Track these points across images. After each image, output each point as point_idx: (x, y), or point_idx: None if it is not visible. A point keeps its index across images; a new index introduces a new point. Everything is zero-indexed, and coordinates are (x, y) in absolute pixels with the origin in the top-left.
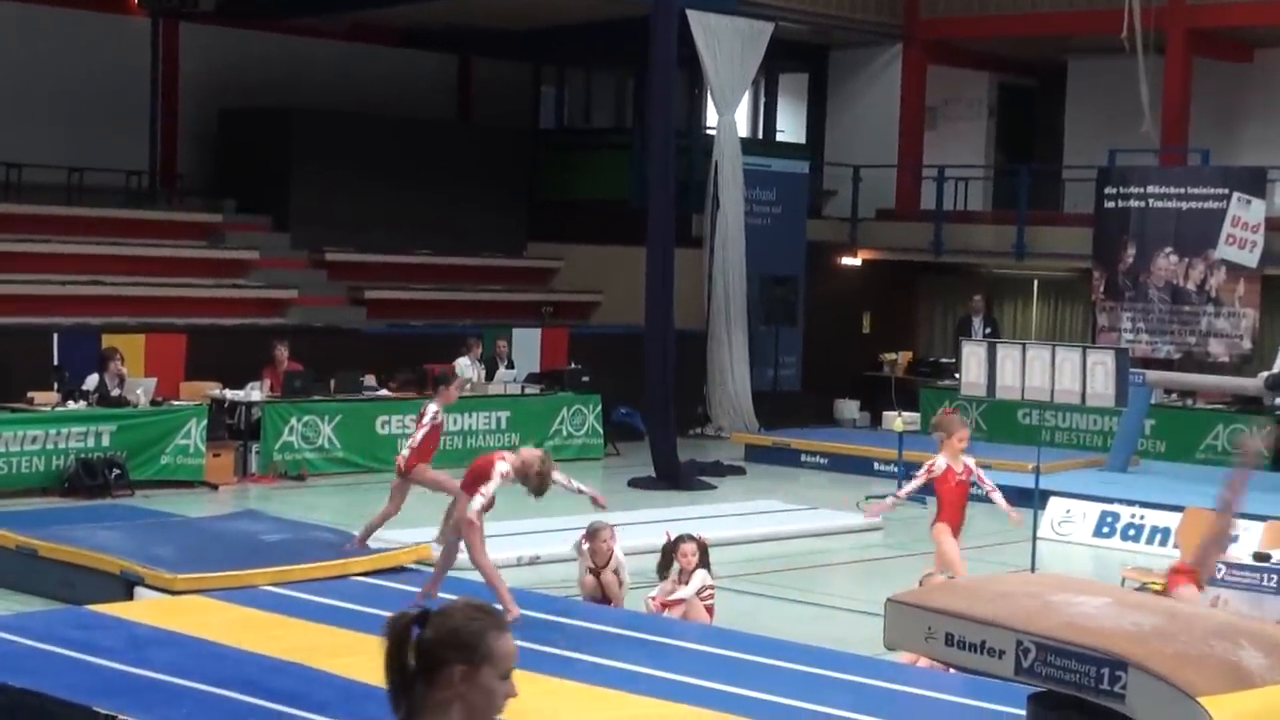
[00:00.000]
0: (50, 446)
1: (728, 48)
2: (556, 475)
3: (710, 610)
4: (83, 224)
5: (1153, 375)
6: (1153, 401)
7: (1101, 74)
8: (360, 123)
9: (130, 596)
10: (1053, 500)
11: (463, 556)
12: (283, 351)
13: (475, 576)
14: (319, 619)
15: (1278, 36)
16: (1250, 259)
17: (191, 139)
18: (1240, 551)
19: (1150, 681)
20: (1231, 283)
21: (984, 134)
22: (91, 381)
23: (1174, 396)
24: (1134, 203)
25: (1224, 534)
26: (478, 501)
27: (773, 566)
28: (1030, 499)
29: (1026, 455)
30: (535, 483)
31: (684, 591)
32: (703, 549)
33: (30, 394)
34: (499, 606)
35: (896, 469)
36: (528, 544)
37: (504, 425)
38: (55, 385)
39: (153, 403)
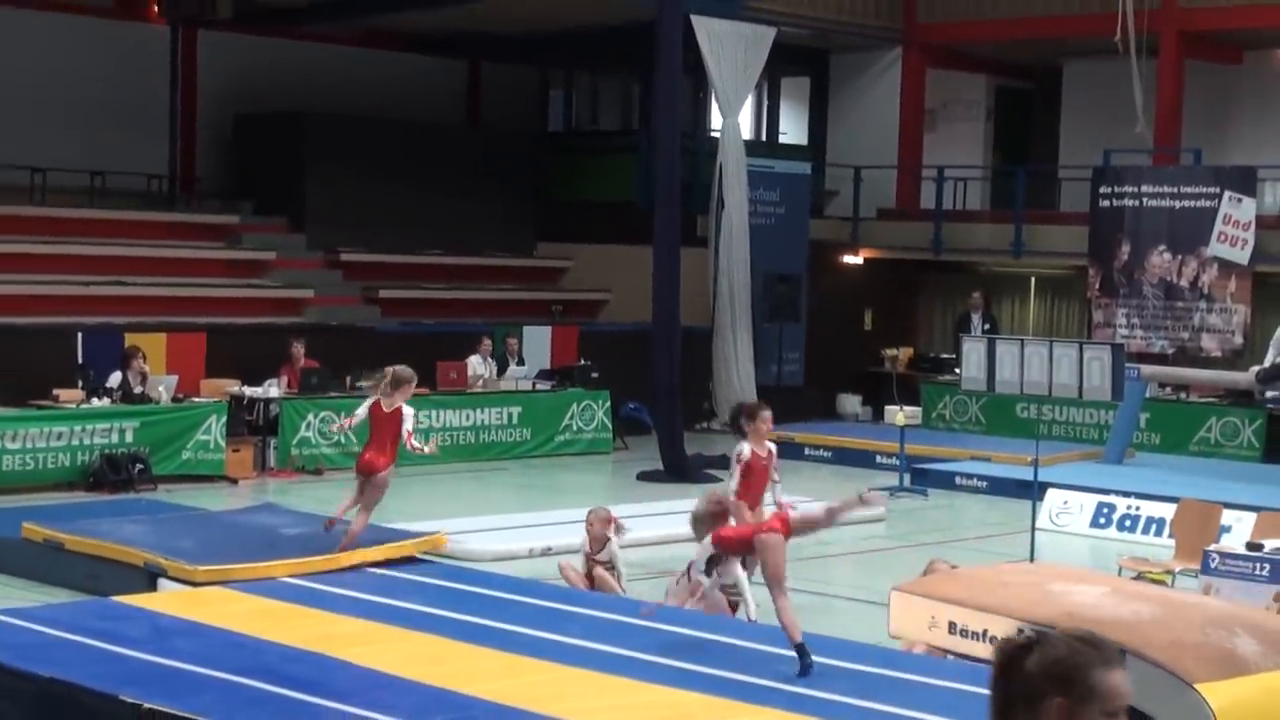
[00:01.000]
0: (75, 443)
1: (731, 52)
2: None
3: (734, 607)
4: (104, 226)
5: (1147, 370)
6: (1147, 395)
7: (1096, 76)
8: (373, 126)
9: (154, 588)
10: (1050, 492)
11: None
12: (299, 349)
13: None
14: (335, 609)
15: (1267, 39)
16: (1241, 256)
17: (209, 143)
18: (1234, 541)
19: (1148, 669)
20: (1223, 279)
21: (982, 135)
22: (115, 379)
23: (1168, 390)
24: (1128, 202)
25: (825, 520)
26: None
27: None
28: (1029, 490)
29: (1025, 448)
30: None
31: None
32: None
33: (56, 392)
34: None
35: (898, 462)
36: (540, 536)
37: (515, 420)
38: (80, 383)
39: (174, 400)
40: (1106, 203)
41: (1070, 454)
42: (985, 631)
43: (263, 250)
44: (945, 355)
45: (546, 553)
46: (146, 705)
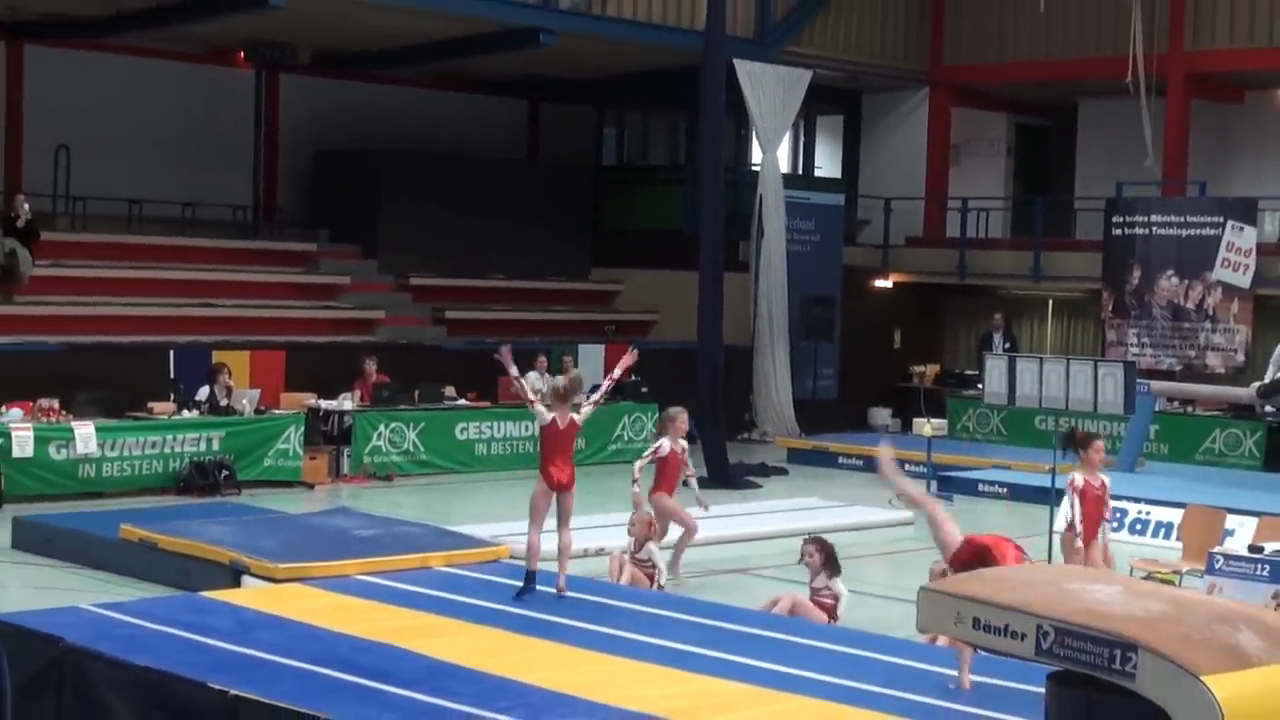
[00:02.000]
0: (167, 451)
1: (770, 93)
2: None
3: (828, 611)
4: (195, 253)
5: (1156, 385)
6: (1157, 409)
7: (1108, 114)
8: (441, 161)
9: (238, 584)
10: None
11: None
12: (371, 365)
13: (542, 566)
14: (404, 604)
15: (1266, 80)
16: (1243, 280)
17: (290, 177)
18: (1236, 544)
19: (1158, 662)
20: (1227, 302)
21: (1003, 169)
22: (203, 393)
23: (1175, 404)
24: (1139, 230)
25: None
26: None
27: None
28: (1046, 496)
29: (1043, 457)
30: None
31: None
32: (826, 552)
33: (150, 404)
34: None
35: (925, 469)
36: (594, 537)
37: None
38: (171, 396)
39: (256, 411)
40: (1119, 231)
41: None
42: (1007, 626)
43: (338, 275)
44: (969, 372)
45: (600, 552)
46: (232, 692)
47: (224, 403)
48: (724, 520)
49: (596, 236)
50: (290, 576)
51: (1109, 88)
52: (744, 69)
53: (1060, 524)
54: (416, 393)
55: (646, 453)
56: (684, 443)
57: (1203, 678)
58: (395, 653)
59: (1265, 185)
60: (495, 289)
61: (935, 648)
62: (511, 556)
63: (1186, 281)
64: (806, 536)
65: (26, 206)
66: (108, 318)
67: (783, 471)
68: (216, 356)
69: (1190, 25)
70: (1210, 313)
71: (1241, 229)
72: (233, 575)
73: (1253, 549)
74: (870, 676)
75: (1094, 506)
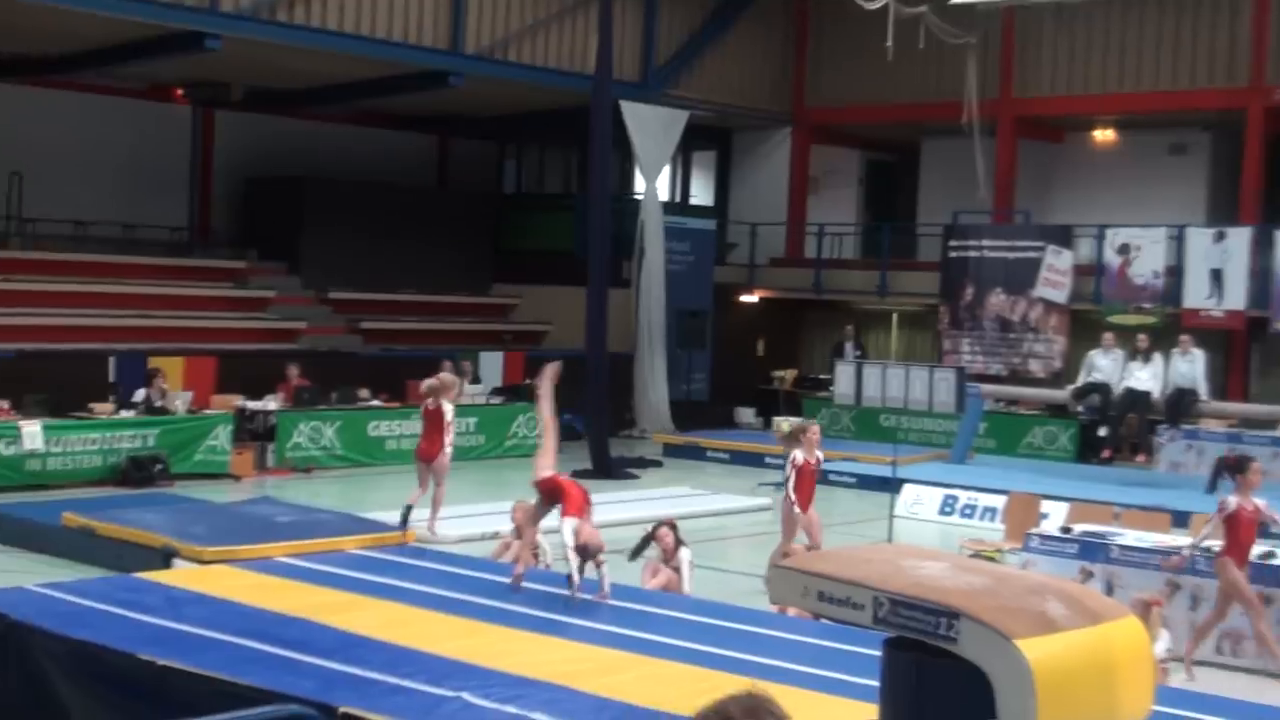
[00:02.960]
0: (107, 447)
1: (652, 131)
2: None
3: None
4: (135, 270)
5: (986, 388)
6: (985, 408)
7: (947, 152)
8: (359, 189)
9: (168, 565)
10: (906, 486)
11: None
12: (294, 370)
13: (448, 549)
14: (320, 583)
15: (1082, 123)
16: (1061, 297)
17: (223, 201)
18: (1050, 526)
19: (977, 627)
20: (1046, 316)
21: (855, 198)
22: (140, 395)
23: (1002, 405)
24: (972, 253)
25: None
26: None
27: (684, 539)
28: (889, 485)
29: (886, 450)
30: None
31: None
32: (674, 529)
33: (91, 405)
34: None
35: (783, 462)
36: (493, 522)
37: (472, 428)
38: (111, 398)
39: (189, 411)
40: (955, 254)
41: (922, 456)
42: (849, 599)
43: (265, 290)
44: (823, 376)
45: (496, 536)
46: (160, 662)
47: (159, 404)
48: (604, 507)
49: (497, 256)
50: (217, 559)
51: (947, 128)
52: (629, 109)
53: (1205, 543)
54: (334, 395)
55: (788, 469)
56: (819, 454)
57: (1015, 641)
58: (312, 626)
59: (1080, 214)
60: (406, 302)
61: (786, 616)
62: (417, 541)
63: (1012, 298)
64: (659, 521)
65: None
66: (55, 327)
67: (658, 464)
68: (153, 362)
69: (1018, 75)
70: (1032, 325)
71: (1060, 252)
72: (164, 558)
73: (1064, 530)
74: (733, 644)
75: (1248, 529)
